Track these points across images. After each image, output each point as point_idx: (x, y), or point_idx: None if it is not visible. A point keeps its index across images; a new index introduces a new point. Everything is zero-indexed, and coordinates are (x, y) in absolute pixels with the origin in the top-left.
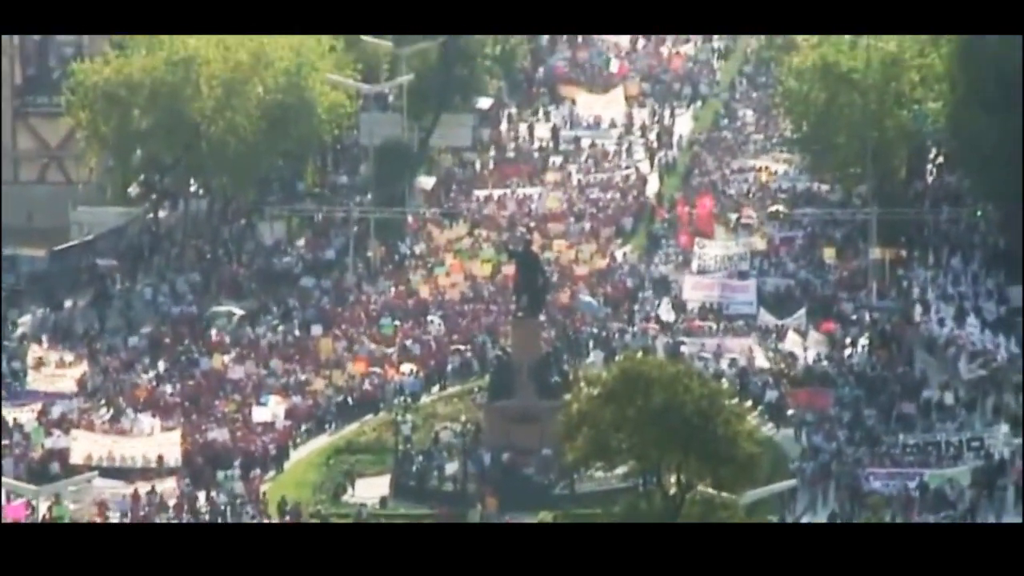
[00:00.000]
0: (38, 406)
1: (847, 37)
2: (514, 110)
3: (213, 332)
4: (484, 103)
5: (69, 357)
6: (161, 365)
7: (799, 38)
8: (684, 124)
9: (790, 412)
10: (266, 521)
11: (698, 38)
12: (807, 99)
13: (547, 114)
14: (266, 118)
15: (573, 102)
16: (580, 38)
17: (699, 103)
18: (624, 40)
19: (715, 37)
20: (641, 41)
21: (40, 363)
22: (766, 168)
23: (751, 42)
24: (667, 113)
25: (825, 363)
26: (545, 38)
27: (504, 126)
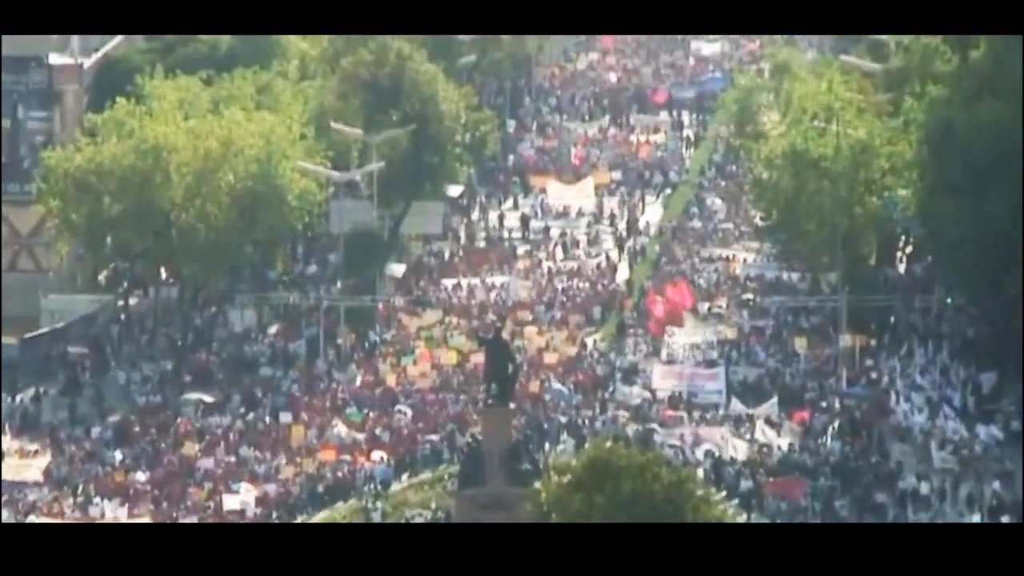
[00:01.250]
0: (5, 496)
1: (816, 124)
2: (484, 198)
3: (183, 420)
4: (454, 191)
5: (36, 446)
6: (130, 453)
7: (768, 125)
8: (654, 213)
9: (765, 502)
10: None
11: (667, 126)
12: (776, 187)
13: (516, 203)
14: (236, 206)
15: (543, 191)
16: (549, 128)
17: (668, 191)
18: (593, 128)
19: (685, 125)
20: (612, 130)
21: (7, 452)
22: (735, 257)
23: (720, 130)
24: (637, 202)
25: (800, 453)
26: (512, 126)
27: (475, 214)
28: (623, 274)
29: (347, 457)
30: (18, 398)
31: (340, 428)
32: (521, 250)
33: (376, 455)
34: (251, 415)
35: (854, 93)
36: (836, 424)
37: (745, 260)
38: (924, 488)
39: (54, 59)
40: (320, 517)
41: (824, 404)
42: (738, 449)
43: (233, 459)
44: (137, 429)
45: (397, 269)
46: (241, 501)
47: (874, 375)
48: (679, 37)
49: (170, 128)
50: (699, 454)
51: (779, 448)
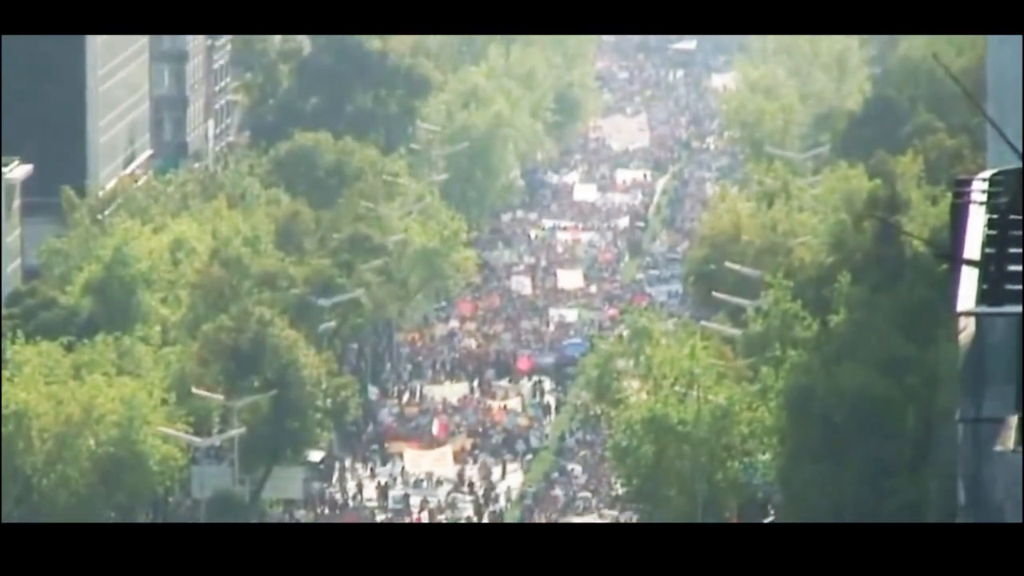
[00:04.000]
0: None
1: (676, 389)
2: (346, 463)
3: None
4: (315, 456)
5: None
6: None
7: (629, 392)
8: (514, 480)
9: None
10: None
11: (526, 392)
12: (637, 453)
13: (372, 470)
14: (97, 471)
15: (400, 457)
16: (407, 395)
17: (529, 458)
18: (453, 395)
19: (545, 391)
20: (472, 396)
21: None
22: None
23: (581, 395)
24: (496, 469)
25: None
26: (375, 393)
27: (335, 479)
28: None
29: None
30: None
31: None
32: (380, 517)
33: None
34: None
35: (714, 358)
36: None
37: None
38: None
39: None
40: None
41: None
42: None
43: None
44: None
45: None
46: None
47: None
48: (540, 304)
49: (31, 394)
50: None
51: None
